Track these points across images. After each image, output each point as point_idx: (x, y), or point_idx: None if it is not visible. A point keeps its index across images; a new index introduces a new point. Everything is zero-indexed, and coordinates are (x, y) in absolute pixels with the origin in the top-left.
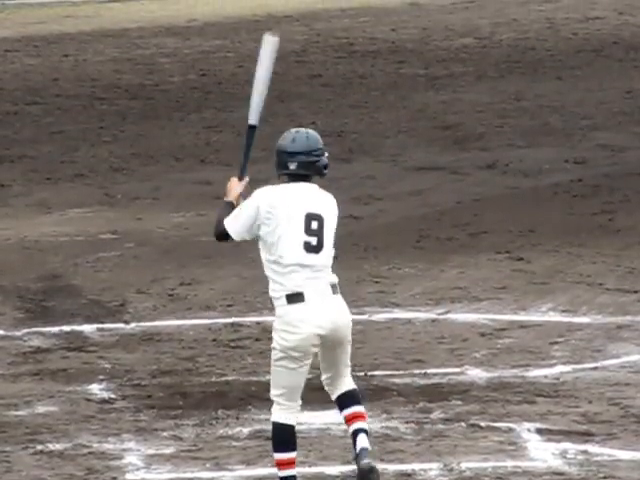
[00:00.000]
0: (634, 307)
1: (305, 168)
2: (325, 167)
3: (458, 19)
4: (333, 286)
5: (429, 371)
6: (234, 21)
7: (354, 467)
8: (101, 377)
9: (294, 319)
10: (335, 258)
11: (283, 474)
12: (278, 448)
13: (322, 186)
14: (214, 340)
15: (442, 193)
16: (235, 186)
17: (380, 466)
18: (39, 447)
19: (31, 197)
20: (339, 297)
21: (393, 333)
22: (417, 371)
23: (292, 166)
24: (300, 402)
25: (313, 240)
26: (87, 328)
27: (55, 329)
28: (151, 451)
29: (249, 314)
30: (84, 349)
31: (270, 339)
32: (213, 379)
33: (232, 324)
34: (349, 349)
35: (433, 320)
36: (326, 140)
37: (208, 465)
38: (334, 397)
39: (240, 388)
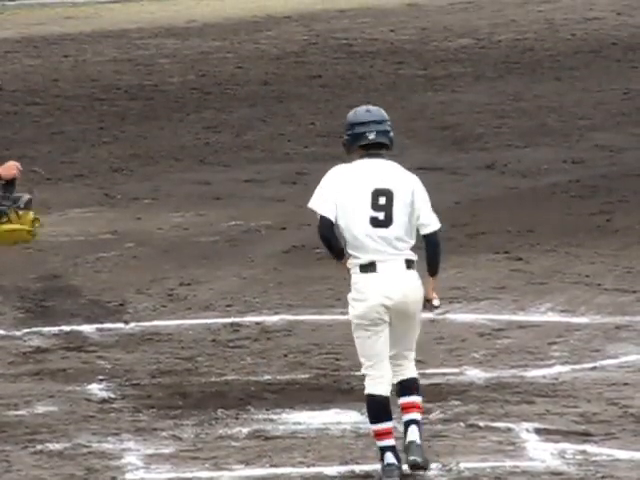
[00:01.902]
0: (632, 307)
1: (380, 137)
2: (392, 141)
3: (457, 20)
4: (408, 261)
5: (428, 371)
6: (233, 22)
7: (352, 467)
8: (101, 377)
9: (363, 287)
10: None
11: (381, 444)
12: (372, 419)
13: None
14: (213, 340)
15: (441, 193)
16: None
17: (378, 466)
18: (39, 447)
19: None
20: (413, 272)
21: None
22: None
23: (371, 136)
24: (391, 374)
25: (380, 215)
26: (87, 328)
27: (55, 329)
28: (150, 451)
29: (248, 314)
30: (84, 349)
31: (268, 339)
32: (212, 379)
33: (231, 324)
34: (416, 329)
35: (432, 320)
36: (325, 141)
37: (207, 465)
38: (395, 381)
39: (239, 388)
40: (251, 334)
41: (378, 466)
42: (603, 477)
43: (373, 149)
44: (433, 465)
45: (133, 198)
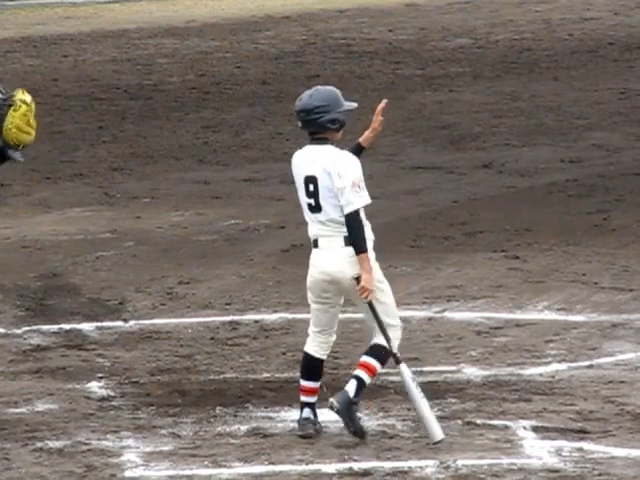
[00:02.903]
0: (629, 305)
1: (307, 126)
2: (331, 122)
3: (454, 20)
4: (347, 238)
5: (425, 369)
6: (232, 22)
7: (350, 465)
8: (100, 375)
9: (310, 263)
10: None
11: (304, 399)
12: (303, 375)
13: None
14: (212, 338)
15: (438, 192)
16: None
17: (376, 463)
18: (38, 444)
19: (31, 196)
20: (351, 250)
21: None
22: (413, 369)
23: (299, 124)
24: (333, 338)
25: (312, 201)
26: (86, 326)
27: (55, 327)
28: (150, 448)
29: (247, 312)
30: (83, 347)
31: (267, 337)
32: (211, 377)
33: (230, 322)
34: (366, 306)
35: (429, 319)
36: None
37: (206, 462)
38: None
39: (238, 386)
40: (250, 332)
41: (377, 464)
42: (600, 475)
43: (313, 134)
44: (431, 462)
45: (132, 197)
